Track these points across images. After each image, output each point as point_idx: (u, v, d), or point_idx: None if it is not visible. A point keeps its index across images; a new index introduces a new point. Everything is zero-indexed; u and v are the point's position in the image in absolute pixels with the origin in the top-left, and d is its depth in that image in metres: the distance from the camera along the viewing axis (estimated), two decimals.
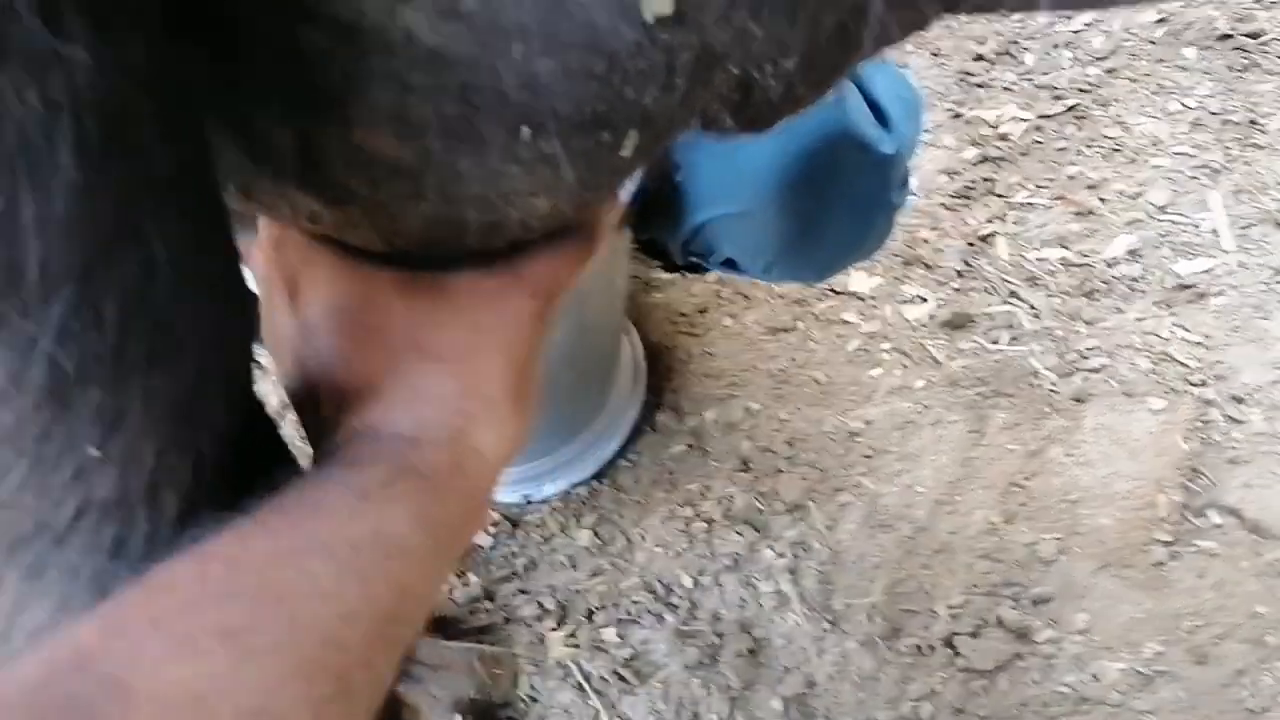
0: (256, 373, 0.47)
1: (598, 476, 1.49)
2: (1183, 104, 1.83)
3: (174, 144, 0.34)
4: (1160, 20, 1.93)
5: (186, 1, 0.35)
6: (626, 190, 0.66)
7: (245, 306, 0.44)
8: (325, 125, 0.40)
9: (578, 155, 0.40)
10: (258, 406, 0.50)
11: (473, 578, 1.39)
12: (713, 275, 1.69)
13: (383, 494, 0.42)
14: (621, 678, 1.29)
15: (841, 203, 1.02)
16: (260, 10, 0.36)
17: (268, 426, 0.51)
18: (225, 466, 0.42)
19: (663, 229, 1.14)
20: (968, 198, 1.77)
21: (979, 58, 1.97)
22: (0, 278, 0.31)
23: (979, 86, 1.94)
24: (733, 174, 1.00)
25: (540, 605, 1.37)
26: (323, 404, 0.50)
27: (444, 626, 1.35)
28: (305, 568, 0.38)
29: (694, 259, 1.18)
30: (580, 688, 1.29)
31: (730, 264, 1.16)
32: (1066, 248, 1.69)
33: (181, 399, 0.38)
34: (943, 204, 1.77)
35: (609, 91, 0.37)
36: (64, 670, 0.33)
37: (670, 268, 1.57)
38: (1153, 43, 1.92)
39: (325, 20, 0.35)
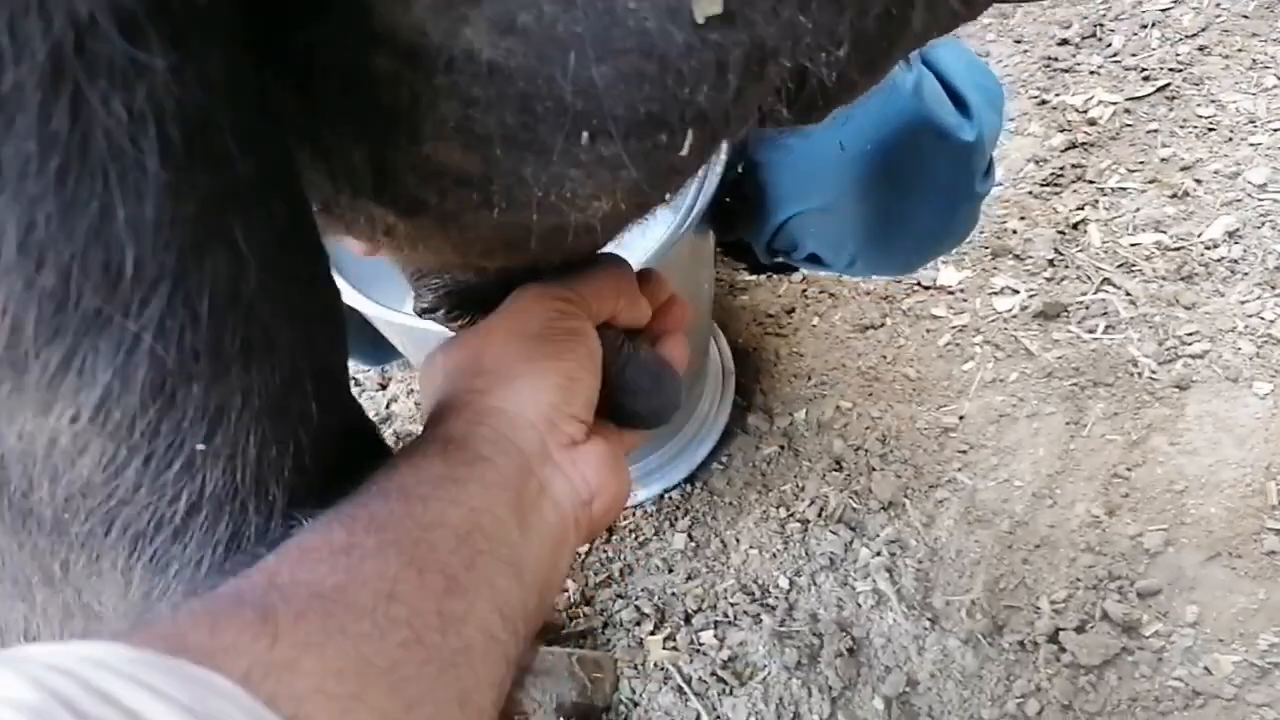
0: (353, 390, 0.50)
1: (690, 480, 1.49)
2: (1279, 78, 1.77)
3: (255, 153, 0.36)
4: None
5: (268, 30, 0.37)
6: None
7: (333, 308, 0.46)
8: (395, 141, 0.42)
9: (636, 156, 0.41)
10: (356, 407, 0.52)
11: (570, 583, 1.41)
12: (798, 275, 1.69)
13: (409, 456, 0.49)
14: (721, 679, 1.30)
15: (923, 193, 1.01)
16: (333, 37, 0.38)
17: (368, 428, 0.54)
18: (327, 462, 0.45)
19: (747, 228, 1.15)
20: (1057, 185, 1.74)
21: (1064, 42, 1.94)
22: (100, 278, 0.33)
23: (1065, 71, 1.90)
24: (814, 169, 1.01)
25: (638, 609, 1.38)
26: None
27: (543, 632, 1.37)
28: (373, 506, 0.44)
29: (778, 256, 1.18)
30: (680, 690, 1.30)
31: (814, 259, 1.16)
32: (1162, 231, 1.65)
33: (277, 394, 0.41)
34: (1031, 193, 1.74)
35: (662, 92, 0.38)
36: (229, 586, 0.39)
37: (755, 269, 1.57)
38: (1245, 17, 1.86)
39: (392, 44, 0.37)
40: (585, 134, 0.39)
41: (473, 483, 0.48)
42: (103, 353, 0.35)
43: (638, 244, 0.95)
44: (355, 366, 1.67)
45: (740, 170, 1.05)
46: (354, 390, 1.69)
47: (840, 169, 0.98)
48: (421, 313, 0.69)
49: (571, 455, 0.55)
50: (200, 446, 0.39)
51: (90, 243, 0.32)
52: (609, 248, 0.63)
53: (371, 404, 1.64)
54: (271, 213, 0.38)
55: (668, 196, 0.52)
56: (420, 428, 0.55)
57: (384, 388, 1.67)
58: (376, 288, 1.06)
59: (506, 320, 0.59)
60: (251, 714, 0.32)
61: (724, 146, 0.97)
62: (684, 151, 0.42)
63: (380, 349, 1.29)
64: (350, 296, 1.05)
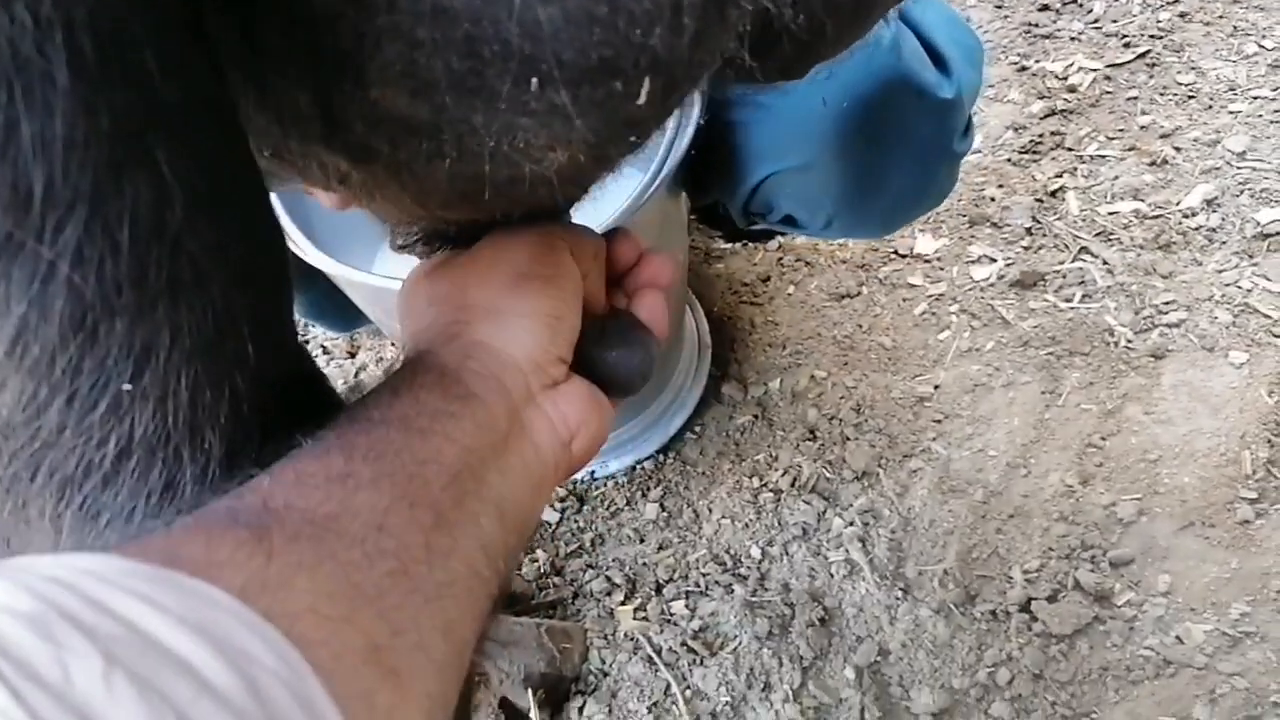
0: (321, 358, 0.48)
1: (663, 450, 1.48)
2: (1260, 45, 1.76)
3: (179, 76, 0.34)
4: None
5: None
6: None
7: (274, 249, 0.44)
8: (341, 85, 0.40)
9: (589, 105, 0.39)
10: (303, 356, 0.50)
11: (540, 553, 1.39)
12: (774, 244, 1.67)
13: (410, 384, 0.50)
14: (691, 650, 1.28)
15: (901, 151, 0.99)
16: None
17: (316, 377, 0.52)
18: (268, 411, 0.43)
19: (723, 190, 1.13)
20: (1035, 153, 1.73)
21: (1044, 7, 1.92)
22: (9, 199, 0.31)
23: (1045, 37, 1.88)
24: (789, 128, 0.99)
25: (608, 579, 1.36)
26: None
27: (513, 602, 1.35)
28: (374, 435, 0.45)
29: (754, 217, 1.16)
30: (650, 660, 1.28)
31: (790, 221, 1.14)
32: (1140, 200, 1.63)
33: (210, 334, 0.39)
34: (1009, 160, 1.72)
35: (614, 35, 0.36)
36: (222, 504, 0.39)
37: (731, 237, 1.55)
38: None
39: None
40: (534, 80, 0.38)
41: (465, 419, 0.49)
42: (16, 281, 0.33)
43: (606, 202, 0.93)
44: (324, 334, 1.65)
45: (714, 130, 1.03)
46: (322, 358, 1.66)
47: (816, 128, 0.96)
48: (397, 249, 0.67)
49: (553, 396, 0.56)
50: (127, 386, 0.37)
51: None
52: (579, 203, 0.62)
53: (340, 372, 1.62)
54: (199, 141, 0.36)
55: (630, 149, 0.50)
56: None
57: (353, 355, 1.64)
58: (344, 249, 1.04)
59: (492, 250, 0.59)
60: (247, 624, 0.32)
61: (696, 101, 0.94)
62: (641, 100, 0.40)
63: (348, 315, 1.27)
64: (315, 258, 1.02)
